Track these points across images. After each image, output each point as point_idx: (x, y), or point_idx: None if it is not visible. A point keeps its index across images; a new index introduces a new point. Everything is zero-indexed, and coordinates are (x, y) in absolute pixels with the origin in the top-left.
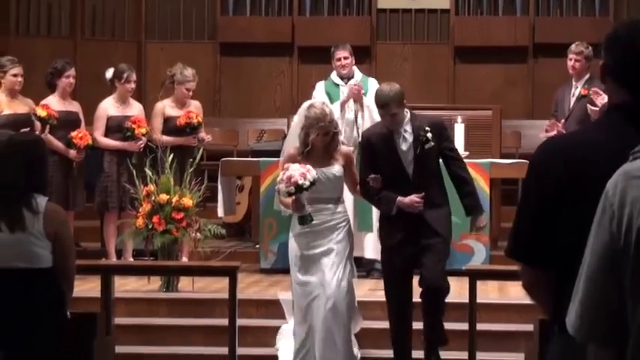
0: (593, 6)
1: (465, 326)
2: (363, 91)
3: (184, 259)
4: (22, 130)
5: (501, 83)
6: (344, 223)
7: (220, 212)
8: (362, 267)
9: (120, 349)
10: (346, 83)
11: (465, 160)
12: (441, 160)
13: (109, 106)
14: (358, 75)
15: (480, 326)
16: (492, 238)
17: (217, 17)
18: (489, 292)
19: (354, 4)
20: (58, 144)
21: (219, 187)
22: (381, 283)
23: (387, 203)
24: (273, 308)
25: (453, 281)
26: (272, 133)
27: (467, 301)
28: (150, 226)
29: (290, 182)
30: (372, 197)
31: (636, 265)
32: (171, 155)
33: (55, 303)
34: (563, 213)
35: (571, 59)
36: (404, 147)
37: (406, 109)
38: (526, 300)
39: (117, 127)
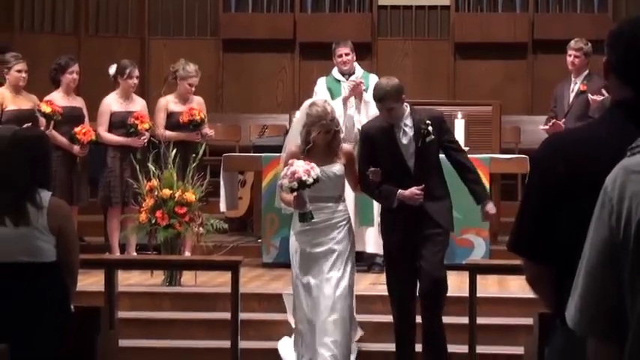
0: (592, 2)
1: (465, 320)
2: (363, 87)
3: (187, 254)
4: (26, 126)
5: (501, 79)
6: (344, 222)
7: (223, 207)
8: (363, 261)
9: (123, 342)
10: (347, 79)
11: None
12: (442, 155)
13: (112, 102)
14: (359, 71)
15: (479, 320)
16: (492, 232)
17: (220, 14)
18: (489, 287)
19: (355, 0)
20: (62, 139)
21: (222, 182)
22: (381, 277)
23: (388, 196)
24: (275, 302)
25: (453, 275)
26: (274, 128)
27: (467, 295)
28: (153, 221)
29: (293, 178)
30: (372, 191)
31: (635, 259)
32: (174, 150)
33: (59, 297)
34: (565, 209)
35: (570, 55)
36: (404, 140)
37: (406, 104)
38: (525, 294)
39: (120, 123)
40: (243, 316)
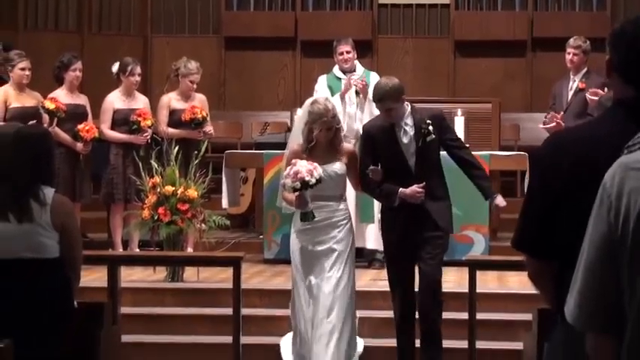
0: (591, 1)
1: (464, 315)
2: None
3: (189, 250)
4: (30, 123)
5: (500, 77)
6: (345, 221)
7: (225, 203)
8: (363, 257)
9: (126, 338)
10: (348, 77)
11: None
12: (444, 153)
13: (115, 100)
14: (360, 69)
15: (479, 315)
16: (492, 229)
17: (222, 12)
18: (489, 282)
19: None
20: (66, 137)
21: (224, 179)
22: (382, 273)
23: (389, 195)
24: (276, 298)
25: (452, 271)
26: (275, 125)
27: (467, 290)
28: (155, 218)
29: (296, 178)
30: (372, 190)
31: (634, 255)
32: (177, 147)
33: (62, 292)
34: (566, 207)
35: (569, 53)
36: (405, 140)
37: (407, 103)
38: (525, 290)
39: (123, 120)
40: (244, 311)
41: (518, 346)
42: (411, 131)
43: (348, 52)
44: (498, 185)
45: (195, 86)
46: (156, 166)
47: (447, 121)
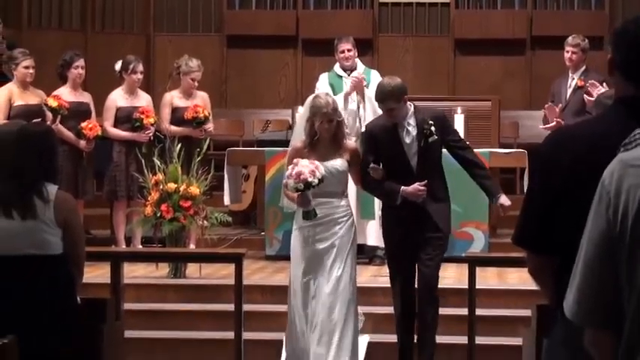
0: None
1: (464, 311)
2: (365, 83)
3: (192, 246)
4: (34, 121)
5: (500, 75)
6: (346, 218)
7: (226, 200)
8: (364, 254)
9: (129, 333)
10: (349, 75)
11: None
12: (445, 153)
13: (117, 98)
14: (361, 67)
15: (479, 311)
16: (491, 225)
17: (224, 11)
18: (488, 279)
19: None
20: (69, 134)
21: (226, 176)
22: (382, 270)
23: (391, 194)
24: (277, 294)
25: (452, 268)
26: (277, 123)
27: (466, 287)
28: (158, 214)
29: (299, 179)
30: (373, 189)
31: (632, 251)
32: (179, 145)
33: (65, 289)
34: (566, 203)
35: (568, 51)
36: (407, 140)
37: (409, 103)
38: (524, 286)
39: (126, 118)
40: (246, 307)
41: (517, 341)
42: (413, 131)
43: (349, 51)
44: (498, 182)
45: (196, 84)
46: (158, 163)
47: (449, 122)
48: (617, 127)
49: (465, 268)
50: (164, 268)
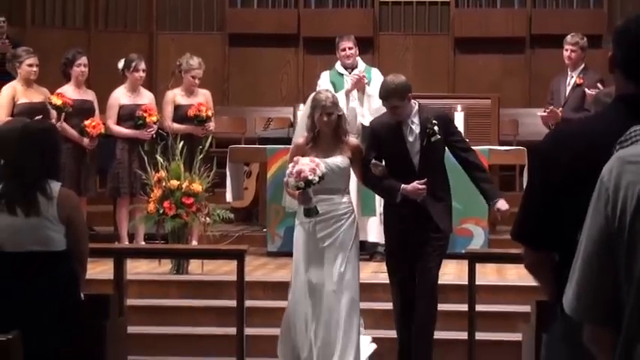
0: None
1: (464, 307)
2: (366, 80)
3: (194, 243)
4: (37, 118)
5: (500, 73)
6: (348, 215)
7: (229, 197)
8: (365, 250)
9: (132, 329)
10: (350, 73)
11: None
12: (449, 154)
13: (120, 96)
14: (362, 65)
15: (479, 307)
16: (491, 222)
17: (226, 9)
18: (488, 275)
19: None
20: (73, 132)
21: (228, 173)
22: (383, 266)
23: (391, 191)
24: (279, 290)
25: (453, 264)
26: (278, 121)
27: (466, 283)
28: (161, 211)
29: (300, 177)
30: (374, 185)
31: (631, 247)
32: (182, 142)
33: (68, 285)
34: (565, 200)
35: (567, 50)
36: (411, 138)
37: (414, 101)
38: (523, 282)
39: (128, 116)
40: (248, 303)
41: (516, 337)
42: (416, 130)
43: (350, 49)
44: (497, 180)
45: (197, 82)
46: (161, 160)
47: (453, 122)
48: (616, 125)
49: (464, 265)
50: (167, 265)
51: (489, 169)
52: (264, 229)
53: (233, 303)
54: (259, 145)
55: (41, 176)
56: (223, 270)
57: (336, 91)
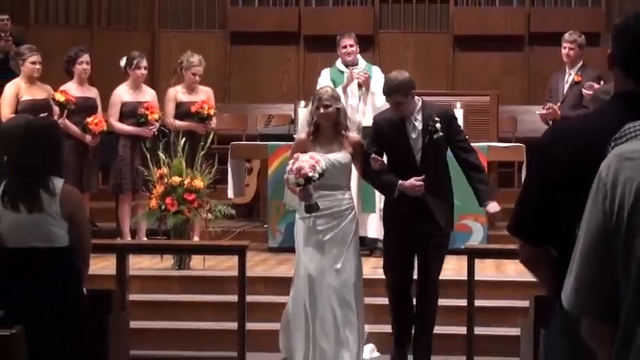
0: None
1: (463, 302)
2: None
3: (196, 239)
4: (40, 115)
5: (499, 70)
6: (348, 211)
7: (230, 193)
8: (365, 246)
9: (134, 324)
10: (350, 71)
11: None
12: (451, 153)
13: (122, 93)
14: (362, 63)
15: (477, 302)
16: (490, 218)
17: (227, 7)
18: (487, 270)
19: None
20: (75, 129)
21: (229, 170)
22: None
23: (389, 187)
24: (280, 285)
25: (452, 259)
26: (279, 118)
27: (465, 278)
28: (163, 207)
29: (300, 174)
30: (373, 180)
31: (628, 243)
32: (184, 139)
33: (71, 280)
34: (566, 197)
35: (565, 47)
36: (414, 135)
37: (417, 98)
38: (522, 277)
39: (130, 113)
40: (249, 298)
41: (515, 332)
42: (419, 127)
43: (351, 46)
44: (496, 176)
45: (198, 78)
46: (163, 157)
47: (456, 121)
48: (615, 122)
49: (464, 260)
50: (169, 260)
51: (488, 165)
52: (265, 225)
53: (234, 298)
54: (260, 141)
55: (44, 173)
56: (225, 265)
57: (336, 88)
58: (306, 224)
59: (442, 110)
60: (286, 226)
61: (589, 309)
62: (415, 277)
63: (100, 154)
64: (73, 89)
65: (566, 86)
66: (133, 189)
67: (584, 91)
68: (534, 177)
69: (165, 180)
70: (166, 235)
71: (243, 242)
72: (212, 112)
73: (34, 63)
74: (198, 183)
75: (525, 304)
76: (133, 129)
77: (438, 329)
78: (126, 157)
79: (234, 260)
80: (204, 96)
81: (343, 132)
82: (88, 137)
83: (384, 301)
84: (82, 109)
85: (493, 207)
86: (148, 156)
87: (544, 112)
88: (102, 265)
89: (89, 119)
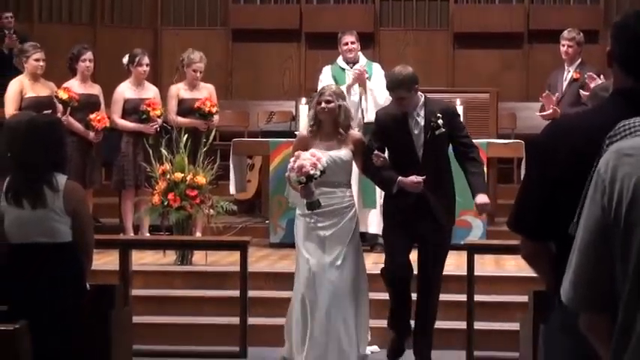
0: None
1: (463, 297)
2: (367, 75)
3: (198, 234)
4: (44, 112)
5: (498, 67)
6: (349, 209)
7: (232, 190)
8: (366, 241)
9: (137, 319)
10: (352, 68)
11: None
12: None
13: (125, 90)
14: (363, 60)
15: (477, 297)
16: (489, 214)
17: (229, 5)
18: (486, 265)
19: None
20: (78, 126)
21: (231, 166)
22: (383, 257)
23: (388, 183)
24: (281, 280)
25: (452, 255)
26: (281, 114)
27: (465, 273)
28: (165, 203)
29: (301, 172)
30: (373, 175)
31: (626, 238)
32: (186, 136)
33: (74, 275)
34: (565, 193)
35: (564, 45)
36: (416, 130)
37: (421, 93)
38: (521, 273)
39: (133, 109)
40: (251, 293)
41: (514, 327)
42: (421, 122)
43: (352, 43)
44: (496, 172)
45: (199, 75)
46: (165, 153)
47: (459, 117)
48: (614, 118)
49: (463, 256)
50: (171, 256)
51: (488, 161)
52: (267, 221)
53: (236, 293)
54: (262, 138)
55: (47, 169)
56: (227, 261)
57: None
58: (307, 221)
59: (445, 107)
60: (288, 221)
61: (587, 304)
62: (415, 273)
63: (102, 150)
64: (76, 86)
65: (565, 83)
66: (136, 185)
67: (581, 92)
68: (534, 173)
69: (168, 176)
70: (169, 230)
71: (244, 238)
72: (214, 109)
73: (37, 60)
74: (201, 179)
75: (525, 299)
76: (135, 125)
77: (437, 324)
78: (128, 154)
79: (236, 256)
80: (206, 93)
81: (343, 131)
82: (91, 134)
83: (385, 296)
84: (85, 106)
85: (482, 199)
86: (151, 152)
87: (544, 113)
88: (105, 261)
89: (92, 116)
